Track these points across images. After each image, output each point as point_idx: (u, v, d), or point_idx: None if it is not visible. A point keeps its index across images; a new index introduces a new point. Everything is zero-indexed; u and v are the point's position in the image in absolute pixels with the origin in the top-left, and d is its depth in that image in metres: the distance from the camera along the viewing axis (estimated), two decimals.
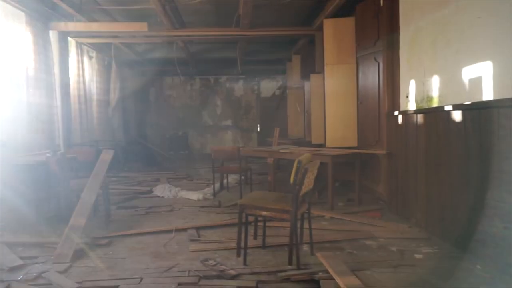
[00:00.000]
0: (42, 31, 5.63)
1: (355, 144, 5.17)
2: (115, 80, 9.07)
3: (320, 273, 2.44)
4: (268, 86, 11.80)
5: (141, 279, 2.52)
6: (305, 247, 3.05)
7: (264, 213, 2.63)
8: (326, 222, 3.84)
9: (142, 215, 4.24)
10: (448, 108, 3.00)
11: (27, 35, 5.36)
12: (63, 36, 6.30)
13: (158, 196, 5.34)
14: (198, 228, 3.66)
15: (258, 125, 11.68)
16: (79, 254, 2.98)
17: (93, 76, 8.04)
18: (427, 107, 3.42)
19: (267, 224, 3.65)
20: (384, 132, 4.39)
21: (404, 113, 3.84)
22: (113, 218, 4.06)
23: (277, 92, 11.29)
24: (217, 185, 5.86)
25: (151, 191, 5.58)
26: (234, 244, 3.03)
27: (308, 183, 2.68)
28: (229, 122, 11.74)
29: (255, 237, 3.20)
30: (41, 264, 2.79)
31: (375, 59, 4.57)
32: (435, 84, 3.37)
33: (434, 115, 3.25)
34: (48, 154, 3.85)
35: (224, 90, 11.78)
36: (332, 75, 5.31)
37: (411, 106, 3.79)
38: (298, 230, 3.01)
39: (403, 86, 4.00)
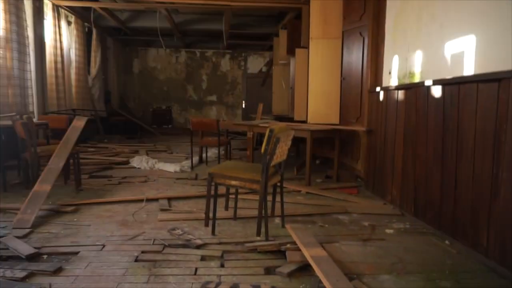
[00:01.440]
0: None
1: (336, 121, 5.10)
2: (96, 48, 8.74)
3: (288, 245, 2.39)
4: (255, 62, 11.57)
5: (103, 246, 2.43)
6: (277, 220, 3.01)
7: (233, 182, 2.55)
8: (301, 197, 3.80)
9: (114, 185, 4.13)
10: (428, 83, 2.92)
11: None
12: None
13: (135, 167, 5.22)
14: (170, 199, 3.58)
15: (244, 102, 11.52)
16: (41, 221, 2.87)
17: (72, 43, 7.71)
18: (408, 83, 3.35)
19: (242, 197, 3.60)
20: (365, 109, 4.32)
21: (386, 89, 3.76)
22: (84, 187, 3.94)
23: (264, 69, 11.08)
24: (196, 158, 5.77)
25: (127, 162, 5.45)
26: (204, 215, 2.96)
27: (281, 153, 2.60)
28: (214, 98, 11.54)
29: (226, 208, 3.13)
30: (0, 229, 2.68)
31: (361, 34, 4.45)
32: (417, 59, 3.28)
33: (415, 91, 3.18)
34: (15, 117, 3.67)
35: (210, 64, 11.51)
36: (317, 50, 5.17)
37: (393, 82, 3.71)
38: (270, 203, 2.96)
39: (387, 62, 3.91)
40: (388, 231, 2.82)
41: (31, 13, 5.88)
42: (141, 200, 3.50)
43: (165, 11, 7.02)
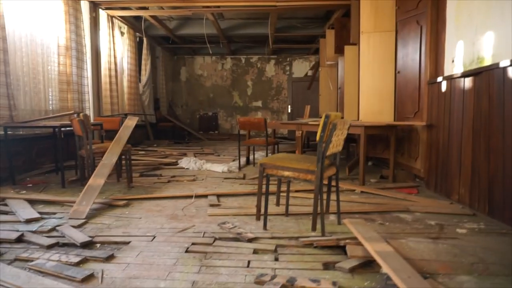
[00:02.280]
0: (73, 1, 5.63)
1: (391, 119, 4.79)
2: (146, 57, 9.08)
3: (347, 240, 2.19)
4: (300, 67, 11.41)
5: (154, 237, 2.38)
6: (332, 217, 2.81)
7: (286, 173, 2.40)
8: (356, 196, 3.55)
9: (164, 183, 4.14)
10: (504, 63, 2.60)
11: (59, 3, 5.37)
12: (94, 7, 6.30)
13: (183, 168, 5.25)
14: (219, 195, 3.50)
15: (289, 106, 11.37)
16: (95, 213, 2.91)
17: (124, 52, 8.06)
18: (477, 68, 3.02)
19: (293, 195, 3.44)
20: (424, 102, 3.99)
21: (449, 78, 3.44)
22: (135, 185, 3.99)
23: (310, 73, 10.88)
24: (243, 160, 5.70)
25: (176, 163, 5.51)
26: (254, 210, 2.83)
27: (337, 143, 2.42)
28: (259, 103, 11.52)
29: (277, 203, 2.99)
30: (57, 219, 2.74)
31: (418, 23, 4.15)
32: (487, 42, 2.95)
33: (486, 76, 2.85)
34: (72, 116, 3.82)
35: (255, 70, 11.53)
36: (368, 45, 4.92)
37: (458, 70, 3.38)
38: (325, 200, 2.78)
39: (449, 49, 3.59)
40: (459, 230, 2.51)
41: (88, 23, 6.21)
42: (190, 196, 3.46)
43: (211, 16, 7.12)
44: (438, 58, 3.80)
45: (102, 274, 1.83)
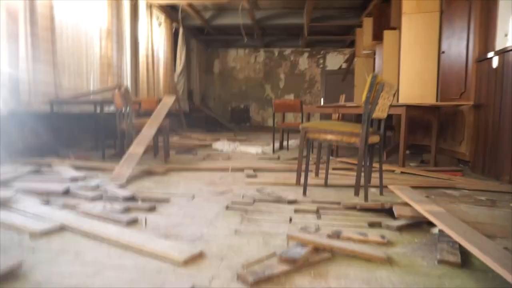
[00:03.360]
0: None
1: (433, 101, 4.59)
2: (181, 48, 9.24)
3: (393, 204, 2.10)
4: (334, 59, 11.23)
5: (194, 197, 2.39)
6: (373, 190, 2.71)
7: (329, 136, 2.34)
8: (396, 175, 3.42)
9: (200, 160, 4.17)
10: None
11: None
12: None
13: (217, 150, 5.28)
14: (255, 170, 3.48)
15: (322, 99, 11.21)
16: (135, 178, 2.96)
17: (161, 41, 8.24)
18: None
19: (331, 171, 3.37)
20: (472, 82, 3.79)
21: (502, 52, 3.24)
22: (171, 160, 4.04)
23: (344, 65, 10.68)
24: (277, 145, 5.66)
25: (210, 146, 5.55)
26: (293, 181, 2.79)
27: (382, 107, 2.33)
28: (291, 96, 11.43)
29: (316, 173, 2.92)
30: (100, 179, 2.81)
31: None
32: None
33: None
34: (115, 90, 3.93)
35: (288, 63, 11.46)
36: (410, 26, 4.75)
37: None
38: (367, 171, 2.69)
39: (502, 24, 3.38)
40: None
41: (129, 10, 6.39)
42: (226, 170, 3.46)
43: (246, 4, 7.14)
44: (489, 34, 3.59)
45: (146, 221, 1.85)
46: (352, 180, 2.80)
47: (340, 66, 10.95)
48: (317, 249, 1.46)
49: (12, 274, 1.22)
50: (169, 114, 4.14)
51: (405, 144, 3.88)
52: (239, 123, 11.50)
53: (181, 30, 9.01)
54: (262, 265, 1.31)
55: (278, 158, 4.48)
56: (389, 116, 5.37)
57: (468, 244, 1.39)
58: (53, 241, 1.56)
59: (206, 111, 10.20)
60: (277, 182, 2.86)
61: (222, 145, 5.37)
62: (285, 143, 5.85)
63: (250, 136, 8.26)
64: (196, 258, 1.40)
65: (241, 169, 3.48)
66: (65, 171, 3.03)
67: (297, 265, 1.31)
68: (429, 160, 4.17)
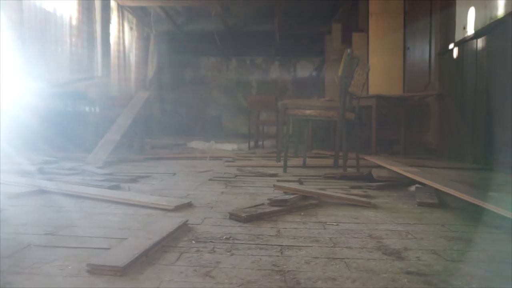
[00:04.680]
0: None
1: (400, 93, 4.83)
2: (153, 53, 9.18)
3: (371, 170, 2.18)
4: (304, 68, 11.53)
5: (175, 174, 2.37)
6: (350, 169, 2.79)
7: (308, 111, 2.41)
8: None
9: (176, 153, 4.13)
10: None
11: None
12: None
13: (193, 148, 5.24)
14: (234, 159, 3.49)
15: None
16: (112, 163, 2.89)
17: (132, 45, 8.16)
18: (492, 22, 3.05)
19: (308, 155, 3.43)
20: (435, 74, 4.04)
21: (461, 43, 3.49)
22: (147, 153, 3.98)
23: (314, 73, 11.00)
24: (252, 143, 5.70)
25: (185, 144, 5.51)
26: (272, 163, 2.84)
27: (357, 83, 2.44)
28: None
29: (295, 155, 2.98)
30: (74, 163, 2.72)
31: None
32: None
33: (502, 30, 2.89)
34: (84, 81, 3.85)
35: (260, 71, 11.64)
36: (377, 26, 5.01)
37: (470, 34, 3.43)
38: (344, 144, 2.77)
39: (460, 17, 3.65)
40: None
41: (100, 9, 6.31)
42: (205, 158, 3.45)
43: (219, 8, 7.25)
44: (449, 27, 3.86)
45: (129, 189, 1.82)
46: (329, 162, 2.88)
47: (311, 74, 11.26)
48: (304, 197, 1.49)
49: None
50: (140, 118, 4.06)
51: (376, 133, 4.04)
52: (212, 131, 11.47)
53: (152, 36, 8.97)
54: (253, 208, 1.32)
55: (255, 153, 4.51)
56: (359, 114, 5.59)
57: (444, 187, 1.48)
58: (33, 200, 1.50)
59: (178, 117, 10.11)
60: (257, 164, 2.89)
61: (197, 144, 5.35)
62: (260, 143, 5.91)
63: (224, 139, 8.26)
64: (186, 207, 1.39)
65: (219, 158, 3.48)
66: (35, 158, 2.91)
67: (287, 206, 1.34)
68: (399, 150, 4.35)
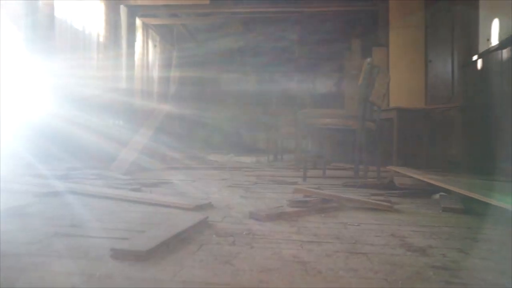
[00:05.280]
0: (113, 5, 6.01)
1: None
2: (174, 69, 9.43)
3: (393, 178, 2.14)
4: (323, 83, 11.56)
5: (194, 181, 2.40)
6: (370, 180, 2.75)
7: (327, 120, 2.41)
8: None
9: (196, 164, 4.18)
10: None
11: (100, 4, 5.74)
12: (131, 13, 6.69)
13: (212, 160, 5.28)
14: (253, 169, 3.50)
15: None
16: (133, 172, 2.94)
17: (155, 62, 8.42)
18: None
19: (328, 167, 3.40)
20: (459, 86, 3.97)
21: (485, 54, 3.43)
22: (168, 164, 4.04)
23: (334, 89, 11.00)
24: (271, 156, 5.70)
25: (205, 157, 5.56)
26: (291, 173, 2.83)
27: (377, 93, 2.42)
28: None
29: (314, 166, 2.96)
30: (98, 170, 2.79)
31: (448, 9, 4.21)
32: None
33: None
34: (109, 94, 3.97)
35: (279, 87, 11.73)
36: (397, 40, 5.00)
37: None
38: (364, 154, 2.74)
39: (484, 30, 3.61)
40: None
41: (126, 27, 6.57)
42: (224, 168, 3.47)
43: (240, 26, 7.42)
44: (471, 40, 3.81)
45: (150, 191, 1.85)
46: (349, 174, 2.85)
47: (329, 89, 11.26)
48: (325, 200, 1.48)
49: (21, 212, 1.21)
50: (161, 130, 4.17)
51: (397, 146, 3.97)
52: (231, 145, 11.54)
53: (175, 52, 9.24)
54: (274, 209, 1.32)
55: (273, 165, 4.51)
56: (380, 126, 5.53)
57: (471, 192, 1.43)
58: (58, 199, 1.55)
59: (197, 131, 10.27)
60: (275, 174, 2.88)
61: (216, 156, 5.40)
62: (279, 157, 5.90)
63: (243, 154, 8.30)
64: (206, 207, 1.40)
65: (237, 168, 3.50)
66: (59, 167, 3.00)
67: (307, 207, 1.33)
68: (421, 164, 4.25)
